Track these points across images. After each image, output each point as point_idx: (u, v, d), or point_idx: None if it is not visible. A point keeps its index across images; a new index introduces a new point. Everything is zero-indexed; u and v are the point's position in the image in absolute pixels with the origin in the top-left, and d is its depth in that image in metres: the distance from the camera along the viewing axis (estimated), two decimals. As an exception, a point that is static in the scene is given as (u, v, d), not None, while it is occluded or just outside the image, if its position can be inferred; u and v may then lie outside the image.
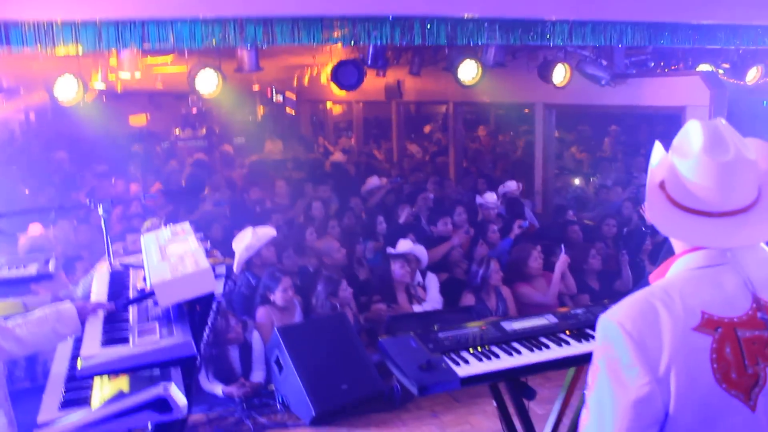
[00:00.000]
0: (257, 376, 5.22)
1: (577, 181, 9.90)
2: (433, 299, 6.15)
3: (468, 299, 6.03)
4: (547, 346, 3.12)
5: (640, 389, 1.57)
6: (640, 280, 6.64)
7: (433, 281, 6.25)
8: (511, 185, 8.29)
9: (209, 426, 4.74)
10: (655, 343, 1.58)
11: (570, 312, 3.48)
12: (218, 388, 5.01)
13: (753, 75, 7.45)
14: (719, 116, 6.63)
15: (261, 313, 5.45)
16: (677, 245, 1.78)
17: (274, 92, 15.08)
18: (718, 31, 6.54)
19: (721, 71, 7.51)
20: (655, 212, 1.75)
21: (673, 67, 8.31)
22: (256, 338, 5.27)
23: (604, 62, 7.54)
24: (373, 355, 5.35)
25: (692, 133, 1.70)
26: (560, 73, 7.59)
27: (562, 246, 6.34)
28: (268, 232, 5.84)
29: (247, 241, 5.66)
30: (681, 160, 1.70)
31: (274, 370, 5.05)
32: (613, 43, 6.37)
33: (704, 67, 7.46)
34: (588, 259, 6.69)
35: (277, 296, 5.37)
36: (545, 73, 7.71)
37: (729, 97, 6.93)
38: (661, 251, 6.91)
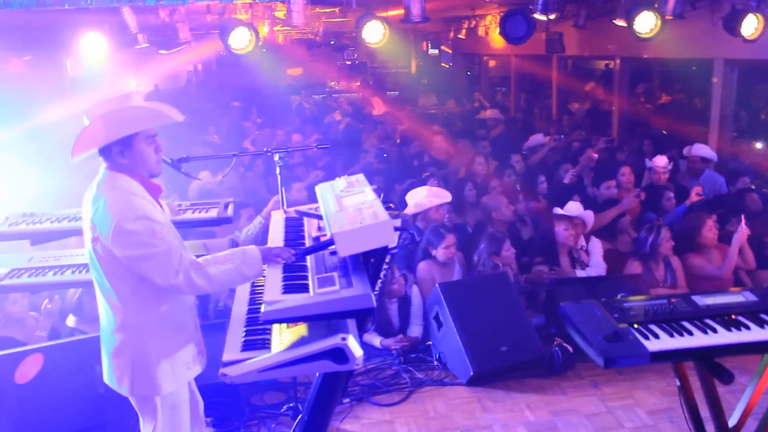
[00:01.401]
0: (414, 330, 5.22)
1: (759, 146, 9.06)
2: (596, 264, 5.87)
3: (634, 267, 5.69)
4: (747, 327, 2.83)
5: None
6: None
7: (597, 246, 5.96)
8: (702, 147, 7.67)
9: (367, 376, 4.79)
10: None
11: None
12: (377, 340, 5.06)
13: None
14: None
15: (422, 267, 5.42)
16: None
17: (429, 45, 14.91)
18: None
19: None
20: None
21: None
22: (415, 293, 5.26)
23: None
24: (534, 318, 5.21)
25: None
26: (751, 24, 6.88)
27: (742, 216, 5.80)
28: (442, 194, 5.80)
29: (419, 198, 5.65)
30: None
31: (432, 327, 5.02)
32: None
33: None
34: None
35: (440, 252, 5.32)
36: (732, 25, 7.02)
37: None
38: None
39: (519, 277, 5.63)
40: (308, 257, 3.06)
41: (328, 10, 8.00)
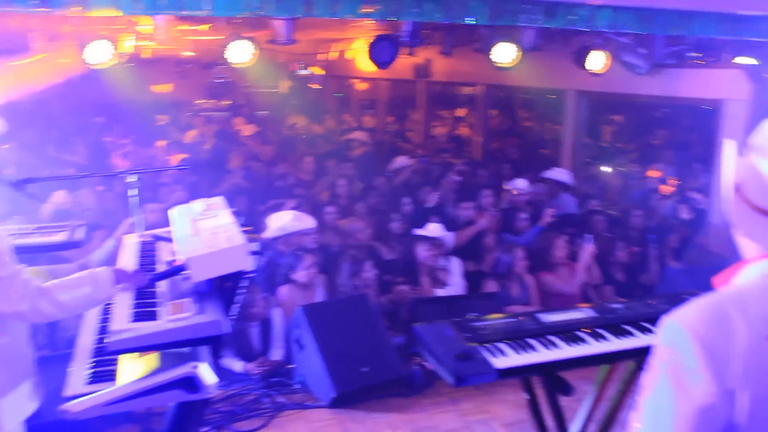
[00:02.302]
0: (276, 354, 5.17)
1: (606, 170, 9.73)
2: (456, 284, 6.07)
3: (491, 286, 5.96)
4: (585, 341, 3.03)
5: (706, 398, 1.47)
6: (663, 276, 6.55)
7: (456, 266, 6.17)
8: (559, 172, 8.12)
9: (227, 402, 4.68)
10: (726, 352, 1.48)
11: (608, 306, 3.38)
12: (238, 365, 4.96)
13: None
14: (760, 110, 6.52)
15: (284, 290, 5.39)
16: (748, 250, 1.68)
17: (300, 66, 14.94)
18: (762, 23, 6.33)
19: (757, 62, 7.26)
20: (733, 215, 1.65)
21: (711, 60, 8.09)
22: (276, 316, 5.21)
23: (643, 51, 7.35)
24: (396, 338, 5.30)
25: None
26: (598, 60, 7.41)
27: (588, 236, 6.23)
28: (306, 220, 5.79)
29: (283, 222, 5.61)
30: (764, 159, 1.59)
31: (294, 349, 4.99)
32: (657, 31, 6.19)
33: (744, 60, 7.24)
34: (615, 251, 6.58)
35: (300, 274, 5.31)
36: (581, 59, 7.54)
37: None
38: (687, 248, 6.82)
39: (380, 298, 5.72)
40: (161, 283, 2.97)
41: (198, 28, 7.84)
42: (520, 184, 7.52)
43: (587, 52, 7.47)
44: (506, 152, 10.95)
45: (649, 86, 7.54)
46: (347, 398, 4.67)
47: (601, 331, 3.12)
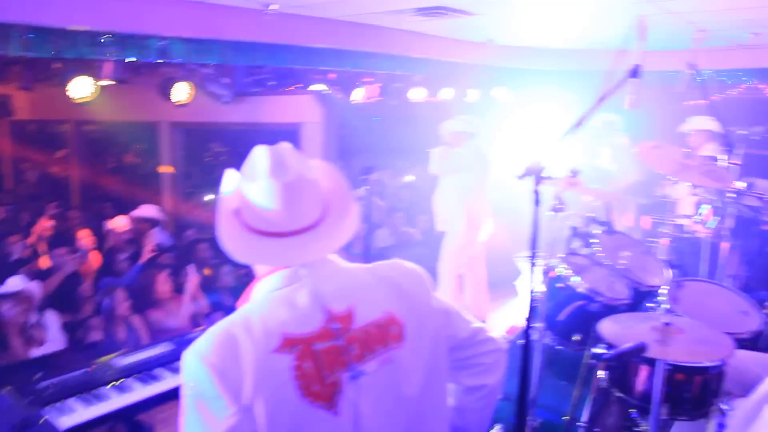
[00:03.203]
0: None
1: (208, 199, 9.87)
2: (54, 339, 5.57)
3: (95, 335, 5.59)
4: (163, 378, 2.98)
5: (229, 420, 1.56)
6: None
7: (53, 319, 5.67)
8: (148, 208, 7.91)
9: None
10: (237, 373, 1.58)
11: (186, 337, 3.39)
12: None
13: (359, 94, 8.15)
14: (331, 130, 7.23)
15: None
16: (258, 268, 1.82)
17: None
18: (329, 54, 7.03)
19: (327, 89, 8.05)
20: (230, 239, 1.74)
21: (291, 87, 8.73)
22: None
23: (226, 80, 7.62)
24: None
25: (258, 158, 1.75)
26: (181, 91, 7.47)
27: (192, 266, 6.25)
28: None
29: None
30: (250, 184, 1.74)
31: None
32: (234, 62, 6.45)
33: (317, 87, 7.95)
34: (221, 276, 6.70)
35: None
36: (166, 91, 7.52)
37: (341, 114, 7.52)
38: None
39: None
40: None
41: None
42: (119, 223, 7.23)
43: (172, 84, 7.48)
44: (105, 190, 10.44)
45: (235, 114, 7.84)
46: None
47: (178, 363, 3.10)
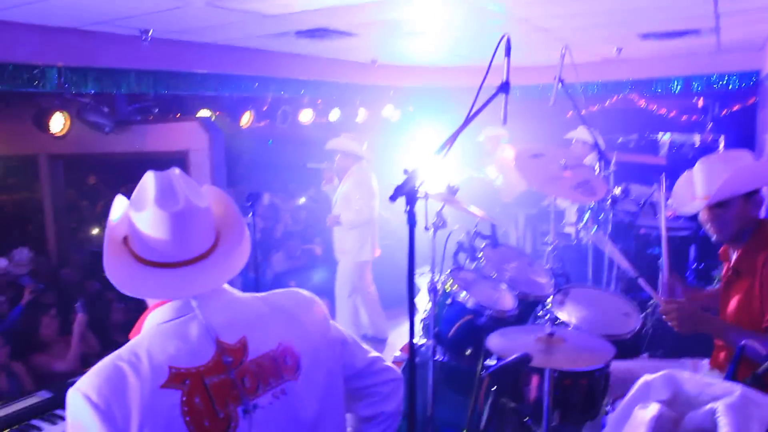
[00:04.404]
0: None
1: (94, 232, 9.48)
2: None
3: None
4: (40, 428, 2.80)
5: None
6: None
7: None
8: (20, 253, 7.49)
9: None
10: (123, 411, 1.50)
11: (71, 381, 3.20)
12: None
13: (246, 119, 8.06)
14: (219, 156, 7.09)
15: None
16: (149, 299, 1.74)
17: None
18: (213, 80, 6.91)
19: (213, 115, 7.92)
20: (116, 271, 1.65)
21: (177, 114, 8.52)
22: None
23: (107, 109, 7.35)
24: None
25: (146, 186, 1.67)
26: (58, 122, 7.14)
27: (79, 304, 5.95)
28: None
29: None
30: (137, 213, 1.66)
31: None
32: (112, 90, 6.23)
33: (203, 113, 7.80)
34: (110, 313, 6.43)
35: None
36: (42, 122, 7.16)
37: (229, 139, 7.39)
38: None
39: None
40: None
41: None
42: (-2, 264, 6.82)
43: (48, 114, 7.14)
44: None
45: (119, 143, 7.58)
46: None
47: (58, 411, 2.94)
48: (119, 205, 1.76)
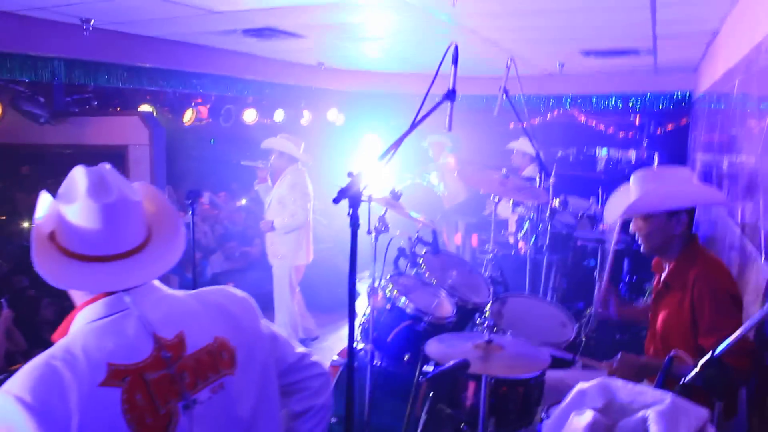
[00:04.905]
0: None
1: (28, 225, 9.14)
2: None
3: None
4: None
5: None
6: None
7: None
8: None
9: None
10: (61, 411, 1.44)
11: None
12: None
13: (189, 116, 7.92)
14: (160, 153, 6.95)
15: None
16: (77, 297, 1.69)
17: None
18: (156, 74, 6.78)
19: (155, 110, 7.75)
20: (46, 265, 1.60)
21: (117, 108, 8.32)
22: None
23: (42, 99, 7.13)
24: None
25: (77, 178, 1.64)
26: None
27: (4, 300, 5.76)
28: None
29: None
30: (67, 205, 1.62)
31: None
32: (49, 79, 6.04)
33: (145, 108, 7.63)
34: (40, 309, 6.23)
35: None
36: (-28, 110, 6.91)
37: (170, 136, 7.26)
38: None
39: None
40: None
41: None
42: None
43: (-22, 102, 6.88)
44: None
45: (55, 135, 7.36)
46: None
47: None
48: (44, 201, 1.70)
